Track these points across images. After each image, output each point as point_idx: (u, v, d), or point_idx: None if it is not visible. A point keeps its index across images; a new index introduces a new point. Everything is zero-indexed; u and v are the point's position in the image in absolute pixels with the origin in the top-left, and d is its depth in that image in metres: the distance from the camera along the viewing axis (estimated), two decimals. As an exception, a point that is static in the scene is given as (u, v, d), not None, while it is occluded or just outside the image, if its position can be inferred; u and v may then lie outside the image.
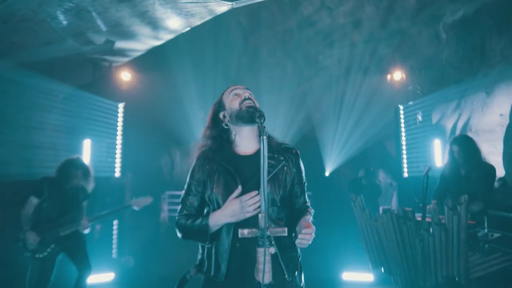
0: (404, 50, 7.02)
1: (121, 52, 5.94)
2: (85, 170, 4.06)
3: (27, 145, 5.78)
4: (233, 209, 1.82)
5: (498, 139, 5.09)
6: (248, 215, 1.81)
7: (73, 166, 3.97)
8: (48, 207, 3.82)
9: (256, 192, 1.82)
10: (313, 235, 1.76)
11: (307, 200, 2.15)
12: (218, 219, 1.83)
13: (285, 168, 2.01)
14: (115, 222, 6.11)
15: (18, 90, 5.44)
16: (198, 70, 6.85)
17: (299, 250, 2.03)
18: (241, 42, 6.67)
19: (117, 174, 6.07)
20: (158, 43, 6.14)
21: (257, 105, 2.02)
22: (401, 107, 6.46)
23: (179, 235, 1.95)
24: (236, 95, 2.03)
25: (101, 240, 5.93)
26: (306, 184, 2.15)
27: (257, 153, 2.01)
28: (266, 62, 7.02)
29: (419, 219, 3.54)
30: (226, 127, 2.02)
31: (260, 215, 1.69)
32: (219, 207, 1.89)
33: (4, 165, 5.25)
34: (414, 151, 6.28)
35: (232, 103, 2.01)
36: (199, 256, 1.99)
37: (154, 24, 5.42)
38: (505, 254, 3.27)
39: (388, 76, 6.65)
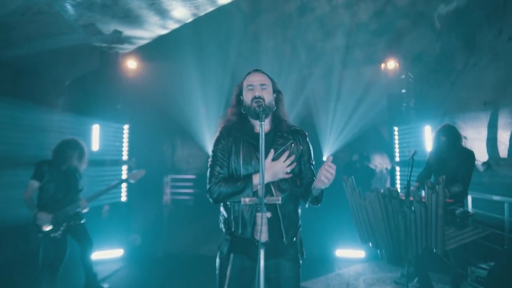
0: (398, 40, 7.30)
1: (128, 40, 6.21)
2: (81, 151, 4.18)
3: (38, 129, 6.11)
4: (275, 170, 2.14)
5: (483, 126, 5.42)
6: (286, 175, 2.15)
7: (69, 147, 4.09)
8: (51, 189, 3.96)
9: (289, 157, 2.17)
10: (334, 172, 2.01)
11: (316, 175, 2.43)
12: (262, 179, 1.96)
13: (292, 145, 2.32)
14: (124, 200, 6.48)
15: (29, 78, 5.75)
16: (201, 59, 7.13)
17: (299, 221, 2.35)
18: (242, 28, 6.93)
19: (125, 157, 6.42)
20: (164, 32, 6.42)
21: (267, 98, 2.25)
22: (392, 94, 6.77)
23: (213, 199, 2.20)
24: (250, 86, 2.27)
25: (111, 220, 6.31)
26: (314, 161, 2.44)
27: (269, 132, 2.32)
28: (265, 48, 7.30)
29: (403, 198, 3.90)
30: (243, 111, 2.30)
31: (258, 186, 2.04)
32: (238, 172, 2.21)
33: (19, 147, 5.59)
34: (405, 137, 6.61)
35: (246, 95, 2.27)
36: (224, 218, 2.28)
37: (161, 14, 5.70)
38: (475, 229, 3.64)
39: (382, 65, 6.94)
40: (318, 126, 8.63)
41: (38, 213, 3.83)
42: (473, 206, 6.05)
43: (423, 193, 3.97)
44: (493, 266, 3.63)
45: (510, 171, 5.25)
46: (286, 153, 2.21)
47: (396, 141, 6.65)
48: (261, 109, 2.10)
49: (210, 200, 2.26)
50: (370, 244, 4.32)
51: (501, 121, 5.10)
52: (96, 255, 5.44)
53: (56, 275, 3.97)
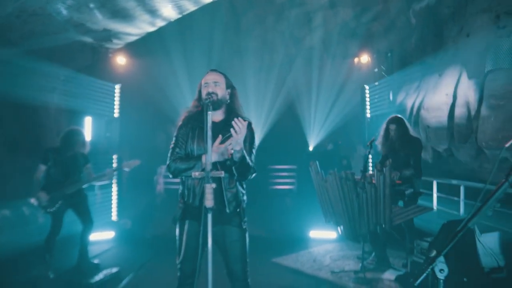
0: (374, 35, 7.73)
1: (117, 36, 6.65)
2: (83, 138, 4.84)
3: (34, 124, 6.60)
4: (220, 151, 2.58)
5: (444, 115, 5.87)
6: (229, 156, 2.59)
7: (75, 135, 4.74)
8: (55, 172, 4.62)
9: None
10: (243, 128, 2.41)
11: (253, 160, 2.89)
12: (209, 158, 2.45)
13: None
14: (115, 189, 6.98)
15: (25, 74, 6.21)
16: (187, 54, 7.58)
17: (243, 195, 2.81)
18: (225, 24, 7.36)
19: (115, 147, 6.91)
20: (152, 29, 6.87)
21: (220, 93, 2.73)
22: (366, 87, 7.22)
23: (171, 173, 2.69)
24: (205, 84, 2.74)
25: (102, 205, 6.82)
26: (254, 147, 2.90)
27: (221, 121, 2.80)
28: (247, 44, 7.74)
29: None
30: (201, 104, 2.74)
31: (206, 163, 2.52)
32: (192, 153, 2.70)
33: (18, 138, 6.08)
34: (376, 127, 7.07)
35: (203, 91, 2.74)
36: (180, 191, 2.78)
37: (149, 12, 6.14)
38: (417, 206, 4.12)
39: (356, 59, 7.38)
40: (302, 117, 9.10)
41: (39, 193, 4.52)
42: (438, 190, 6.53)
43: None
44: (432, 239, 4.10)
45: (466, 157, 5.71)
46: (231, 139, 2.67)
47: (368, 131, 7.10)
48: (207, 101, 2.57)
49: (170, 175, 2.75)
50: (332, 223, 4.80)
51: (457, 111, 5.55)
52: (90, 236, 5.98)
53: (52, 246, 4.62)
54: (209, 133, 2.52)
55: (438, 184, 6.47)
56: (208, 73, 2.83)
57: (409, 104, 6.93)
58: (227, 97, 2.80)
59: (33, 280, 4.50)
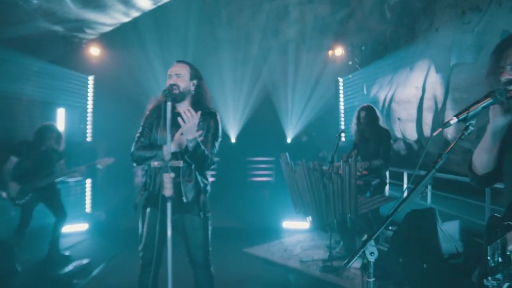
0: (349, 28, 7.81)
1: (90, 26, 6.55)
2: (57, 134, 4.85)
3: (5, 115, 6.49)
4: (180, 141, 2.62)
5: (413, 108, 6.01)
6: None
7: (47, 131, 4.76)
8: (26, 165, 4.63)
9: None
10: (193, 117, 2.44)
11: (214, 152, 2.93)
12: (168, 148, 2.54)
13: (200, 124, 2.82)
14: (89, 182, 6.93)
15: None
16: (162, 46, 7.53)
17: (201, 185, 2.85)
18: (199, 16, 7.33)
19: (89, 139, 6.85)
20: (126, 19, 6.79)
21: (182, 85, 2.75)
22: (340, 79, 7.32)
23: (133, 160, 2.74)
24: (168, 76, 2.77)
25: (77, 197, 6.78)
26: (217, 138, 2.92)
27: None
28: (225, 34, 7.73)
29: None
30: None
31: (165, 153, 2.55)
32: (156, 142, 2.73)
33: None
34: (351, 119, 7.19)
35: (167, 82, 2.79)
36: (143, 180, 2.82)
37: (123, 2, 6.07)
38: (382, 196, 4.24)
39: (330, 52, 7.47)
40: (279, 111, 9.17)
41: (9, 183, 4.56)
42: (408, 182, 6.68)
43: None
44: (396, 228, 4.23)
45: (435, 149, 5.86)
46: (181, 129, 2.68)
47: (342, 123, 7.21)
48: (166, 92, 2.60)
49: (133, 163, 2.79)
50: (302, 213, 4.90)
51: (425, 104, 5.69)
52: (63, 229, 5.97)
53: (21, 239, 4.62)
54: (168, 123, 2.56)
55: (408, 175, 6.62)
56: (173, 65, 2.85)
57: (382, 97, 7.06)
58: (192, 88, 2.82)
59: (0, 273, 4.47)
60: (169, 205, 2.57)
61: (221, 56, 7.91)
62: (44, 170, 4.71)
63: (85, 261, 4.77)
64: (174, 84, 2.71)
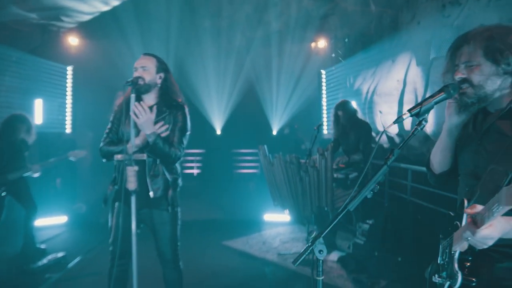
0: (332, 20, 7.76)
1: (67, 14, 6.37)
2: (28, 125, 4.64)
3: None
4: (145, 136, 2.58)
5: (395, 101, 6.00)
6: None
7: (17, 121, 4.55)
8: None
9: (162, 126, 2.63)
10: (146, 114, 2.46)
11: (181, 146, 2.88)
12: (132, 141, 2.54)
13: (166, 117, 2.77)
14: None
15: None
16: (143, 36, 7.41)
17: (170, 179, 2.80)
18: (181, 5, 7.20)
19: (68, 130, 6.74)
20: (105, 8, 6.64)
21: (147, 78, 2.69)
22: (323, 71, 7.29)
23: (101, 155, 2.71)
24: (134, 69, 2.71)
25: (56, 189, 6.69)
26: (185, 132, 2.87)
27: (153, 105, 2.76)
28: (208, 25, 7.62)
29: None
30: None
31: (128, 145, 2.50)
32: (123, 137, 2.66)
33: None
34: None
35: (133, 74, 2.72)
36: (114, 175, 2.77)
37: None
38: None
39: (313, 44, 7.43)
40: (264, 103, 9.12)
41: None
42: (389, 174, 6.71)
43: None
44: (373, 222, 4.24)
45: (416, 142, 5.88)
46: (159, 124, 2.64)
47: (325, 116, 7.20)
48: (129, 84, 2.55)
49: (102, 158, 2.74)
50: (279, 206, 4.89)
51: (406, 97, 5.68)
52: (41, 222, 5.89)
53: None
54: (132, 116, 2.51)
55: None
56: (140, 57, 2.79)
57: (364, 89, 7.04)
58: (159, 81, 2.76)
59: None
60: (133, 198, 2.53)
61: (204, 46, 7.82)
62: (14, 162, 4.50)
63: (60, 254, 4.70)
64: (139, 77, 2.66)
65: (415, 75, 5.50)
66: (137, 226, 2.62)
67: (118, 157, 2.53)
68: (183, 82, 8.85)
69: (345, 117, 4.71)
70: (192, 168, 11.41)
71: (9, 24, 5.97)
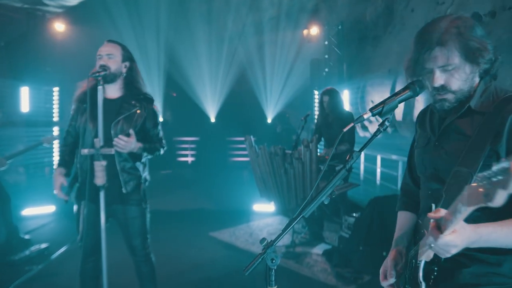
0: (326, 7, 7.58)
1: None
2: None
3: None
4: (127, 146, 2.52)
5: (387, 91, 5.89)
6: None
7: None
8: None
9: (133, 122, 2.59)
10: (127, 144, 2.45)
11: (160, 134, 2.82)
12: (100, 135, 2.52)
13: (138, 111, 2.68)
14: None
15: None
16: (135, 21, 7.26)
17: (143, 175, 2.72)
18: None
19: (55, 119, 6.64)
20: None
21: (113, 66, 2.58)
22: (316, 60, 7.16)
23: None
24: (99, 56, 2.57)
25: (45, 178, 6.63)
26: (158, 127, 2.79)
27: (119, 98, 2.66)
28: (199, 12, 7.47)
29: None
30: None
31: (95, 140, 2.41)
32: (84, 132, 2.58)
33: None
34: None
35: (97, 63, 2.59)
36: (74, 171, 2.70)
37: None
38: (346, 182, 4.16)
39: (306, 31, 7.29)
40: (257, 92, 9.01)
41: None
42: (381, 165, 6.64)
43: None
44: (359, 215, 4.17)
45: (407, 132, 5.79)
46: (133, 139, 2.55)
47: (316, 105, 7.08)
48: (98, 75, 2.44)
49: None
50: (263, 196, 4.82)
51: (398, 87, 5.57)
52: (28, 211, 5.87)
53: None
54: (100, 110, 2.42)
55: (382, 159, 6.57)
56: (104, 44, 2.65)
57: (357, 78, 6.92)
58: (124, 70, 2.65)
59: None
60: (102, 194, 2.46)
61: (196, 33, 7.67)
62: None
63: (43, 245, 4.65)
64: (105, 65, 2.54)
65: (407, 64, 5.38)
66: (106, 221, 2.57)
67: (85, 151, 2.44)
68: (175, 70, 8.72)
69: (330, 104, 4.61)
70: (186, 156, 11.37)
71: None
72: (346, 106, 6.79)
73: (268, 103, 9.13)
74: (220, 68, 8.28)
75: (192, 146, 10.60)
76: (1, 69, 6.57)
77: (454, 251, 1.16)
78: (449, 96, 1.32)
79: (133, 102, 2.66)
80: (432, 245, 1.18)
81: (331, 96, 4.61)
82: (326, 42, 7.10)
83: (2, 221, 4.64)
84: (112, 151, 2.45)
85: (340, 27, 7.11)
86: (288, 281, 3.80)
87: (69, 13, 6.65)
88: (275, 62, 8.05)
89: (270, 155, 4.30)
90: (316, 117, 7.41)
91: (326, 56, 7.10)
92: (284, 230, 1.38)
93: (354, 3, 7.59)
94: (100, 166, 2.40)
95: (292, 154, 4.14)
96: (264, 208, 6.23)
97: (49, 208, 6.21)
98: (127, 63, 2.66)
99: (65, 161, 2.67)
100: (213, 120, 10.20)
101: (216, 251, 4.68)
